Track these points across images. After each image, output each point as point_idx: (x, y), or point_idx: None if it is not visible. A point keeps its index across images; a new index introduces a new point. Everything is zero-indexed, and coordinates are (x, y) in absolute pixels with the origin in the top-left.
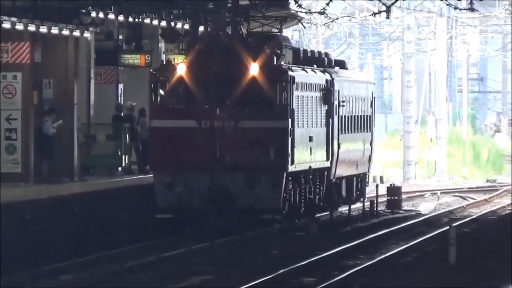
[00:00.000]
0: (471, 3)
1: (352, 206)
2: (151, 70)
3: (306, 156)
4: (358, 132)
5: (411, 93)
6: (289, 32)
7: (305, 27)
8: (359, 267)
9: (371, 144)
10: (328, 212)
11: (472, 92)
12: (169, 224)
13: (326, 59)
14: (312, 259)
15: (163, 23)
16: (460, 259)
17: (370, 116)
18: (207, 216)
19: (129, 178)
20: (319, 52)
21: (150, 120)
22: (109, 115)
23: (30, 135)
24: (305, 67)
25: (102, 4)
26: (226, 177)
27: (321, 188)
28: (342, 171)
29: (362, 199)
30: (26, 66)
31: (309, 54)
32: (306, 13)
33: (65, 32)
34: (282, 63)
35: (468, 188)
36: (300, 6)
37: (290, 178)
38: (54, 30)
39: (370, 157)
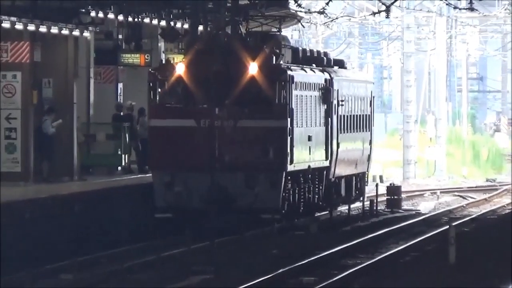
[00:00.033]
0: (470, 2)
1: (352, 206)
2: (150, 70)
3: (305, 155)
4: (357, 131)
5: (410, 93)
6: (288, 32)
7: (304, 27)
8: (358, 267)
9: (370, 143)
10: (327, 212)
11: (471, 92)
12: (169, 224)
13: (325, 58)
14: (312, 259)
15: (163, 23)
16: (460, 258)
17: (369, 115)
18: (207, 215)
19: (128, 177)
20: (318, 52)
21: (149, 119)
22: (109, 114)
23: (30, 134)
24: (304, 66)
25: (102, 3)
26: (226, 177)
27: (320, 187)
28: (341, 170)
29: (361, 199)
30: (25, 66)
31: (308, 54)
32: (305, 12)
33: (65, 31)
34: (281, 62)
35: (468, 187)
36: (299, 5)
37: (289, 177)
38: (54, 30)
39: (369, 156)
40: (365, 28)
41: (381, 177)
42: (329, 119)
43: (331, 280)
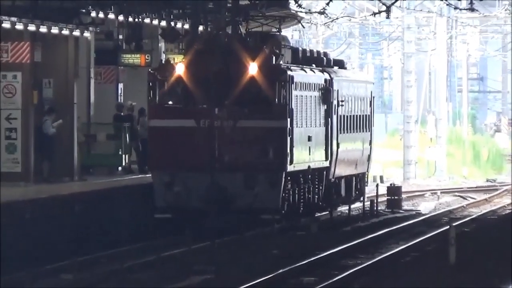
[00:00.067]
0: (471, 3)
1: (352, 206)
2: (150, 70)
3: (305, 156)
4: (357, 131)
5: (411, 93)
6: (289, 32)
7: (303, 27)
8: (359, 267)
9: (370, 143)
10: (327, 212)
11: (472, 92)
12: (169, 224)
13: (325, 58)
14: (312, 259)
15: (163, 23)
16: (460, 258)
17: (369, 115)
18: (206, 216)
19: (129, 177)
20: (318, 52)
21: (148, 119)
22: (109, 114)
23: (30, 134)
24: (304, 66)
25: (102, 4)
26: (225, 177)
27: (320, 188)
28: (341, 170)
29: (361, 199)
30: (26, 66)
31: (308, 54)
32: (306, 13)
33: (65, 31)
34: (281, 62)
35: (468, 187)
36: (300, 6)
37: (289, 178)
38: (54, 30)
39: (369, 156)
40: (366, 29)
41: (381, 178)
42: (329, 119)
43: (331, 280)
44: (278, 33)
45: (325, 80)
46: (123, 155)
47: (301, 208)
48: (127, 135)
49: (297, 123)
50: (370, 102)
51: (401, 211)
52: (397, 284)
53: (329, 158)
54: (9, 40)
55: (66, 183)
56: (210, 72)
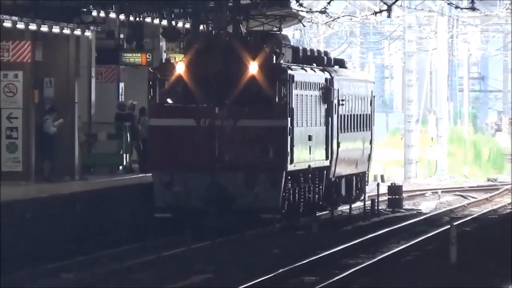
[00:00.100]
0: (472, 2)
1: (353, 205)
2: (150, 69)
3: (305, 155)
4: (357, 131)
5: (412, 92)
6: (290, 31)
7: (304, 26)
8: (360, 266)
9: (370, 143)
10: (327, 211)
11: (473, 91)
12: (169, 223)
13: (325, 58)
14: (313, 258)
15: (164, 22)
16: (461, 258)
17: (369, 115)
18: (206, 215)
19: (130, 177)
20: (319, 51)
21: (148, 119)
22: (110, 114)
23: (31, 133)
24: (305, 66)
25: (103, 3)
26: (225, 177)
27: (321, 187)
28: (341, 170)
29: (362, 198)
30: (27, 65)
31: (308, 53)
32: (307, 12)
33: (66, 31)
34: (282, 62)
35: (469, 187)
36: (301, 5)
37: (289, 177)
38: (55, 29)
39: (369, 156)
40: (367, 28)
41: (382, 177)
42: (330, 118)
43: (332, 280)
44: (279, 32)
45: (326, 80)
46: (124, 155)
47: (301, 208)
48: (128, 134)
49: (297, 122)
50: (371, 101)
51: (402, 210)
52: (398, 283)
53: (330, 158)
54: (10, 39)
55: (67, 183)
56: (210, 71)
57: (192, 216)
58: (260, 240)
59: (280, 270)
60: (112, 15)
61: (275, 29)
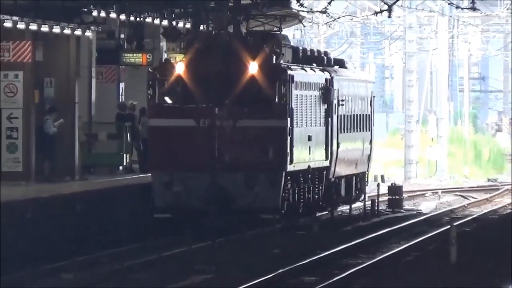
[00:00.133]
0: (472, 2)
1: (353, 205)
2: (149, 69)
3: (305, 155)
4: (357, 131)
5: (412, 92)
6: (290, 31)
7: (304, 26)
8: (360, 266)
9: (370, 143)
10: (327, 212)
11: (473, 92)
12: (169, 223)
13: (325, 58)
14: (313, 258)
15: (165, 22)
16: (461, 258)
17: (369, 115)
18: (206, 215)
19: (130, 177)
20: (319, 51)
21: (148, 119)
22: (110, 114)
23: (32, 134)
24: (305, 66)
25: (104, 3)
26: (225, 177)
27: (320, 187)
28: (341, 170)
29: (361, 199)
30: (27, 65)
31: (308, 53)
32: (307, 12)
33: (67, 31)
34: (281, 62)
35: (469, 187)
36: (301, 5)
37: (289, 177)
38: (56, 29)
39: (369, 156)
40: (367, 28)
41: (382, 177)
42: (329, 118)
43: (332, 280)
44: (279, 32)
45: (326, 80)
46: (124, 155)
47: (301, 208)
48: (128, 134)
49: (297, 122)
50: (371, 101)
51: (402, 210)
52: (398, 283)
53: (329, 158)
54: (10, 39)
55: (67, 183)
56: (210, 71)
57: (192, 216)
58: (260, 240)
59: (280, 270)
60: (113, 15)
61: (275, 29)
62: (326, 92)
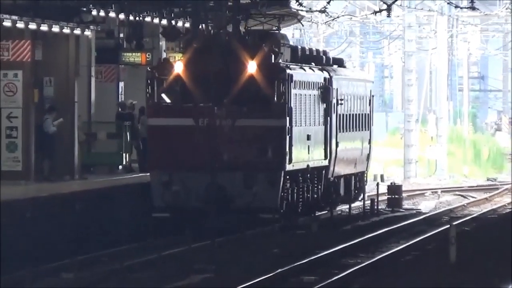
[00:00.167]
0: (472, 1)
1: (353, 205)
2: (148, 68)
3: (304, 154)
4: (356, 130)
5: (411, 92)
6: (290, 31)
7: (303, 25)
8: (359, 266)
9: (369, 142)
10: (326, 211)
11: (472, 91)
12: (169, 223)
13: (324, 57)
14: (313, 258)
15: (164, 22)
16: (461, 257)
17: (368, 114)
18: (205, 215)
19: (129, 176)
20: (317, 50)
21: (147, 118)
22: (110, 113)
23: (31, 133)
24: (303, 65)
25: (103, 2)
26: (224, 176)
27: (319, 187)
28: (340, 169)
29: (361, 198)
30: (27, 64)
31: (307, 52)
32: (307, 11)
33: (66, 30)
34: (280, 61)
35: (469, 186)
36: (301, 4)
37: (288, 177)
38: (55, 28)
39: (368, 155)
40: (366, 27)
41: (382, 176)
42: (328, 118)
43: (331, 279)
44: (277, 32)
45: (325, 79)
46: (124, 154)
47: (300, 208)
48: (127, 133)
49: (296, 122)
50: (370, 100)
51: (401, 210)
52: (398, 283)
53: (328, 157)
54: (10, 38)
55: (66, 182)
56: (208, 70)
57: (191, 216)
58: (260, 239)
59: (280, 270)
60: (112, 14)
61: (274, 28)
62: (325, 91)
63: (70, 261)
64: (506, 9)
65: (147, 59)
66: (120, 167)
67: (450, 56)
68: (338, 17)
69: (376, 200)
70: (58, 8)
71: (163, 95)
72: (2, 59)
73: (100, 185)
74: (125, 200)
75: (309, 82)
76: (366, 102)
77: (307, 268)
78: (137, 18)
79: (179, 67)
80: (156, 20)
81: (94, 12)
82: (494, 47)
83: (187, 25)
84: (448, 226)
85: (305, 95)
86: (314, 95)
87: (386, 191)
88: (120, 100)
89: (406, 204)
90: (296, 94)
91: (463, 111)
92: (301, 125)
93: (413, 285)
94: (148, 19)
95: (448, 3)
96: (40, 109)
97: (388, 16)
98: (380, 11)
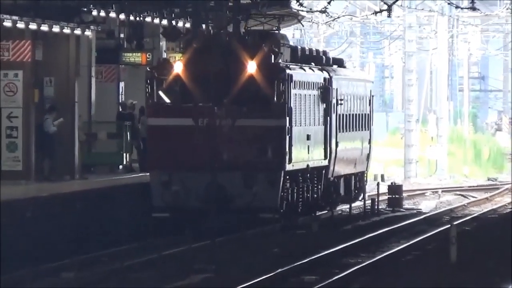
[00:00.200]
0: (472, 2)
1: (353, 204)
2: (148, 68)
3: (304, 154)
4: (356, 130)
5: (412, 92)
6: (290, 31)
7: (303, 26)
8: (360, 265)
9: (369, 142)
10: (326, 211)
11: (473, 91)
12: (169, 223)
13: (324, 57)
14: (313, 257)
15: (164, 22)
16: (461, 257)
17: (368, 114)
18: (205, 215)
19: (130, 176)
20: (317, 50)
21: (147, 118)
22: (110, 113)
23: (31, 133)
24: (303, 65)
25: (104, 2)
26: (224, 176)
27: (319, 187)
28: (340, 169)
29: (361, 198)
30: (27, 64)
31: (307, 52)
32: (307, 11)
33: (67, 30)
34: (280, 61)
35: (469, 186)
36: (301, 5)
37: (287, 177)
38: (56, 29)
39: (368, 155)
40: (367, 27)
41: (382, 176)
42: (328, 118)
43: (332, 279)
44: (277, 32)
45: (324, 79)
46: (124, 154)
47: (300, 207)
48: (128, 133)
49: (296, 122)
50: (370, 100)
51: (402, 210)
52: (398, 283)
53: (328, 157)
54: (10, 38)
55: (67, 182)
56: (208, 70)
57: (191, 215)
58: (260, 239)
59: (280, 270)
60: (112, 14)
61: (274, 28)
62: (325, 91)
63: (70, 261)
64: (507, 9)
65: (148, 59)
66: (121, 167)
67: (451, 56)
68: (338, 17)
69: (376, 200)
70: (59, 8)
71: (161, 93)
72: (2, 59)
73: (101, 185)
74: (125, 200)
75: (309, 82)
76: (366, 102)
77: (308, 268)
78: (137, 18)
79: (178, 67)
80: (156, 20)
81: (94, 12)
82: (495, 48)
83: (188, 25)
84: (449, 226)
85: (305, 95)
86: (314, 95)
87: (387, 191)
88: (120, 100)
89: (407, 204)
90: (296, 94)
91: (464, 111)
92: (301, 125)
93: (414, 285)
94: (148, 19)
95: (448, 4)
96: (40, 109)
97: (389, 16)
98: (381, 11)
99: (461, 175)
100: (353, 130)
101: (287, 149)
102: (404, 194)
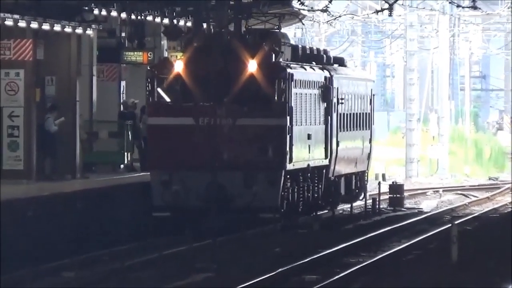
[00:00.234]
0: (473, 1)
1: (354, 204)
2: (148, 67)
3: (304, 154)
4: (357, 129)
5: (413, 91)
6: (291, 30)
7: (303, 24)
8: (361, 265)
9: (370, 142)
10: (327, 210)
11: (474, 90)
12: (170, 222)
13: (325, 56)
14: (314, 257)
15: (166, 21)
16: (462, 257)
17: (369, 113)
18: (205, 214)
19: (131, 175)
20: (318, 49)
21: (147, 117)
22: (112, 112)
23: (33, 132)
24: (304, 64)
25: (105, 1)
26: (224, 176)
27: (320, 186)
28: (341, 169)
29: (362, 197)
30: (28, 63)
31: (308, 51)
32: (308, 10)
33: (68, 29)
34: (281, 60)
35: (470, 186)
36: (302, 4)
37: (288, 176)
38: (57, 28)
39: (369, 155)
40: (368, 26)
41: (383, 176)
42: (329, 117)
43: (333, 278)
44: (278, 31)
45: (325, 78)
46: (125, 153)
47: (301, 207)
48: (129, 132)
49: (296, 121)
50: (370, 100)
51: (403, 209)
52: (399, 282)
53: (329, 156)
54: (11, 37)
55: (68, 181)
56: (209, 69)
57: (191, 215)
58: (261, 239)
59: (281, 269)
60: (114, 13)
61: (275, 27)
62: (326, 90)
63: (71, 260)
64: (508, 8)
65: (149, 58)
66: (122, 166)
67: (452, 55)
68: (339, 16)
69: (377, 199)
70: (60, 7)
71: (160, 90)
72: (3, 58)
73: (102, 184)
74: (126, 200)
75: (309, 81)
76: (367, 101)
77: (309, 267)
78: (138, 17)
79: (179, 66)
80: (157, 19)
81: (95, 11)
82: (496, 47)
83: (189, 24)
84: (450, 225)
85: (306, 94)
86: (315, 94)
87: (388, 190)
88: (121, 99)
89: (408, 203)
90: (296, 93)
91: (465, 110)
92: (301, 124)
93: (415, 284)
94: (149, 18)
95: (450, 3)
96: (41, 108)
97: (390, 15)
98: (382, 10)
99: (462, 174)
100: (354, 130)
101: (287, 149)
102: (405, 194)
